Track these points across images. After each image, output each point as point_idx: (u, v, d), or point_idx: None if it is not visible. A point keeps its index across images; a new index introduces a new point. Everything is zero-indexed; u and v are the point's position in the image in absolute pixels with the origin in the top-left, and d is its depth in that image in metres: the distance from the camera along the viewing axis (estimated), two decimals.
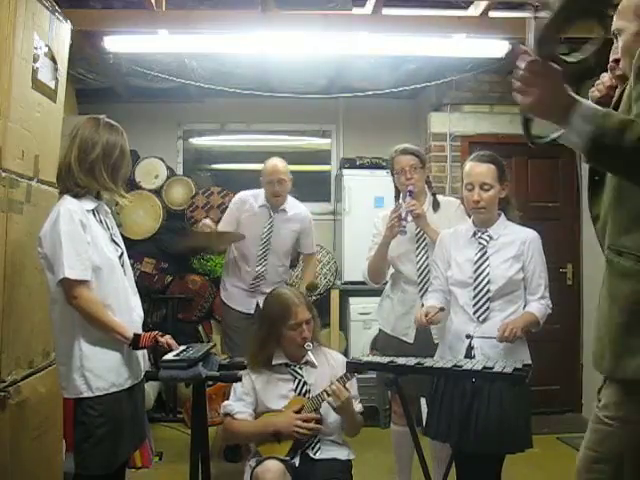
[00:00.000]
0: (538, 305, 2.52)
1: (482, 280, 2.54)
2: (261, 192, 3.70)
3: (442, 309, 2.58)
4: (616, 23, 1.36)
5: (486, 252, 2.58)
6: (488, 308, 2.53)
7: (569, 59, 1.21)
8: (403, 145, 3.05)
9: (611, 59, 1.38)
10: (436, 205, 3.05)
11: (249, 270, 3.66)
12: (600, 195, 1.40)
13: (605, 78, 1.40)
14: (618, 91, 1.35)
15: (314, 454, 2.44)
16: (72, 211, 2.12)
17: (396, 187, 3.07)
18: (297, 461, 2.42)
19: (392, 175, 3.06)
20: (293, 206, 3.72)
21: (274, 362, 2.53)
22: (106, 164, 2.21)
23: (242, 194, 3.77)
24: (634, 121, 1.17)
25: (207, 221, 3.67)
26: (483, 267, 2.56)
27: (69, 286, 2.08)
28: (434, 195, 3.09)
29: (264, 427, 2.45)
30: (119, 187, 2.28)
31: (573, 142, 1.21)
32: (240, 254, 3.69)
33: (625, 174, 1.23)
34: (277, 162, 3.63)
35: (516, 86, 1.23)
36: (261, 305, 3.16)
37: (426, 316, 2.51)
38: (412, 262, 2.98)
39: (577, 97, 1.19)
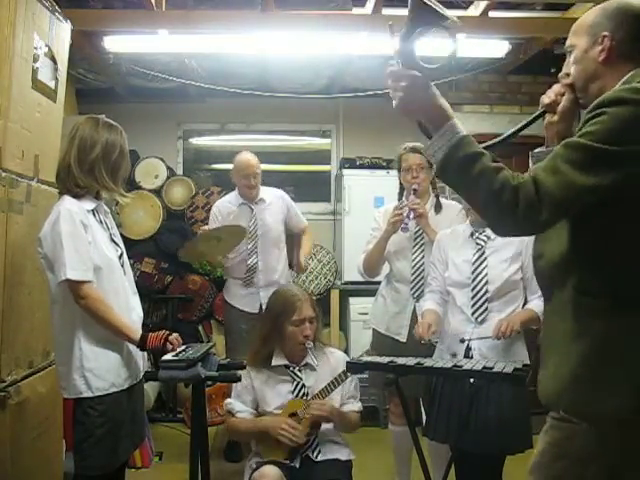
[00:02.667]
0: (538, 302, 2.52)
1: (480, 281, 2.54)
2: (233, 194, 3.77)
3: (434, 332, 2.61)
4: (570, 40, 1.48)
5: (484, 252, 2.58)
6: (486, 309, 2.53)
7: (429, 66, 1.37)
8: (413, 143, 3.05)
9: (563, 71, 1.52)
10: (438, 207, 3.05)
11: (242, 265, 3.66)
12: (546, 233, 1.43)
13: (555, 87, 1.52)
14: (566, 97, 1.48)
15: (315, 456, 2.44)
16: (72, 211, 2.11)
17: (401, 184, 3.07)
18: (297, 463, 2.42)
19: (398, 171, 3.07)
20: (267, 193, 3.77)
21: (273, 363, 2.53)
22: (106, 164, 2.20)
23: (217, 203, 3.86)
24: (484, 154, 1.30)
25: (205, 227, 3.72)
26: (481, 268, 2.56)
27: (75, 287, 2.07)
28: (437, 197, 3.09)
29: (257, 427, 2.47)
30: (119, 187, 2.28)
31: (437, 147, 1.33)
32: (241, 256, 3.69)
33: (462, 194, 1.39)
34: (249, 157, 3.68)
35: (390, 94, 1.38)
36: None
37: (428, 329, 2.52)
38: (408, 260, 2.99)
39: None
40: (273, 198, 3.77)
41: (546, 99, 1.52)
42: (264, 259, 3.68)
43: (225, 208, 3.74)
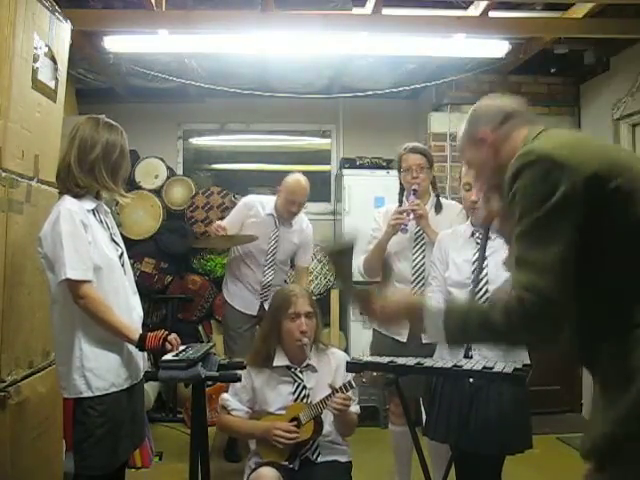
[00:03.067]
0: None
1: (480, 281, 2.54)
2: (269, 200, 3.72)
3: None
4: (465, 161, 1.70)
5: (484, 252, 2.57)
6: None
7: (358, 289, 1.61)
8: (413, 143, 3.06)
9: (473, 190, 1.76)
10: (439, 207, 3.05)
11: (256, 278, 3.71)
12: None
13: (478, 205, 1.70)
14: (492, 201, 1.64)
15: (314, 458, 2.44)
16: (72, 211, 2.11)
17: (401, 184, 3.08)
18: (297, 465, 2.41)
19: (398, 172, 3.07)
20: (298, 219, 3.75)
21: (275, 364, 2.52)
22: (106, 164, 2.20)
23: (249, 199, 3.81)
24: (470, 307, 1.46)
25: (221, 223, 3.64)
26: (481, 267, 2.55)
27: (74, 287, 2.07)
28: (437, 197, 3.09)
29: (253, 430, 2.48)
30: (119, 187, 2.28)
31: (433, 333, 1.48)
32: (243, 258, 3.73)
33: (485, 347, 1.58)
34: (302, 181, 3.61)
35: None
36: (266, 307, 3.18)
37: None
38: (408, 260, 2.99)
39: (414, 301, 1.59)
40: (300, 226, 3.77)
41: (482, 215, 1.67)
42: (277, 277, 3.76)
43: (253, 210, 3.70)
